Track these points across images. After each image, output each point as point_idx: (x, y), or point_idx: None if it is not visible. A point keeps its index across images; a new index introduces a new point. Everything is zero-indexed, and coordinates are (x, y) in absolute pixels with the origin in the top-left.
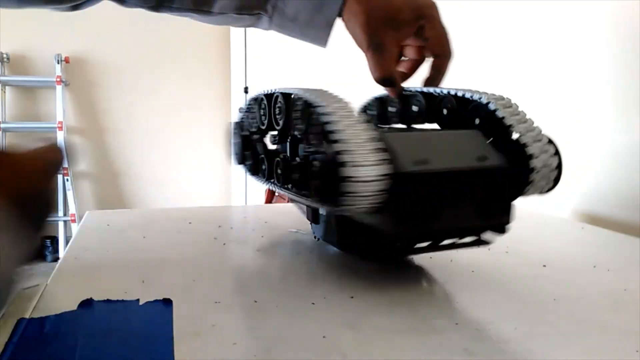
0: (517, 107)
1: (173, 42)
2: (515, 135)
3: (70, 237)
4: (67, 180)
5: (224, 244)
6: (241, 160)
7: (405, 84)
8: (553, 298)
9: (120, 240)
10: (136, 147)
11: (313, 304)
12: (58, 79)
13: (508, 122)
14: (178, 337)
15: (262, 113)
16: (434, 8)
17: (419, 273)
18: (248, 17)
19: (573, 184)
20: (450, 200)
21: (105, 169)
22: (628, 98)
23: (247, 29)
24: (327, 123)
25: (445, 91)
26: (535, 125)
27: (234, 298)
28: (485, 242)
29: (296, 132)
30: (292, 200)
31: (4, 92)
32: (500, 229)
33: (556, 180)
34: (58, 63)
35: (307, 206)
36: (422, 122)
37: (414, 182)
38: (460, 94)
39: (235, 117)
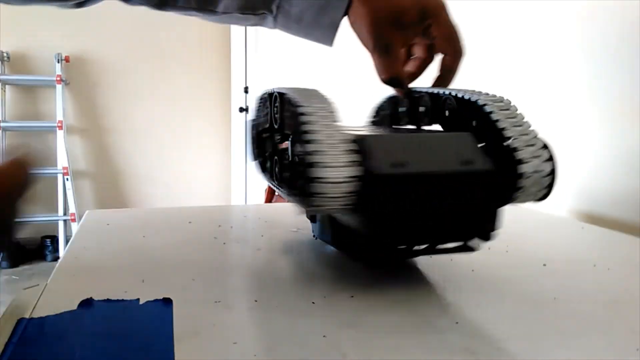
0: (515, 109)
1: (173, 42)
2: (506, 139)
3: (70, 236)
4: (67, 179)
5: (224, 243)
6: (254, 157)
7: (415, 84)
8: (553, 297)
9: (120, 240)
10: (136, 146)
11: (313, 303)
12: (58, 78)
13: (501, 125)
14: (178, 336)
15: (266, 112)
16: (441, 7)
17: (419, 272)
18: (252, 16)
19: (573, 183)
20: (428, 204)
21: (105, 168)
22: (628, 97)
23: (248, 29)
24: (303, 123)
25: (447, 92)
26: (531, 128)
27: (234, 297)
28: (470, 249)
29: (287, 131)
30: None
31: (4, 91)
32: (485, 235)
33: (549, 187)
34: (58, 62)
35: None
36: (430, 123)
37: (388, 185)
38: (460, 95)
39: (251, 114)
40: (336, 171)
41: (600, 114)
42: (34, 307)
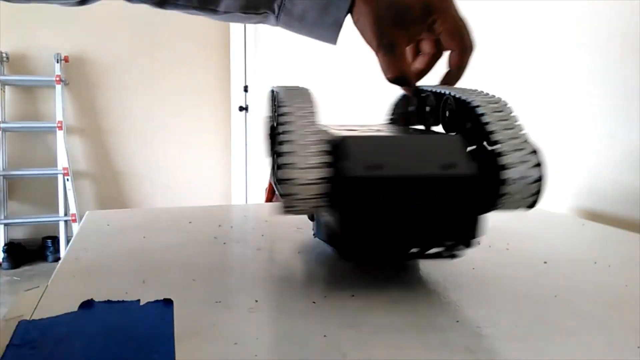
0: (510, 112)
1: (173, 42)
2: (493, 143)
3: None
4: (68, 180)
5: (225, 243)
6: (266, 154)
7: (425, 81)
8: (554, 294)
9: (120, 240)
10: (136, 146)
11: (314, 302)
12: (57, 79)
13: (490, 128)
14: (179, 337)
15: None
16: (446, 2)
17: (419, 271)
18: (255, 15)
19: (574, 180)
20: (403, 208)
21: (105, 169)
22: (629, 94)
23: (248, 28)
24: (281, 123)
25: (449, 91)
26: (522, 132)
27: (235, 297)
28: (452, 256)
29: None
30: None
31: (4, 91)
32: (465, 242)
33: (537, 195)
34: (57, 62)
35: None
36: (435, 124)
37: (361, 187)
38: (458, 95)
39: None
40: (305, 172)
41: (601, 112)
42: (35, 309)
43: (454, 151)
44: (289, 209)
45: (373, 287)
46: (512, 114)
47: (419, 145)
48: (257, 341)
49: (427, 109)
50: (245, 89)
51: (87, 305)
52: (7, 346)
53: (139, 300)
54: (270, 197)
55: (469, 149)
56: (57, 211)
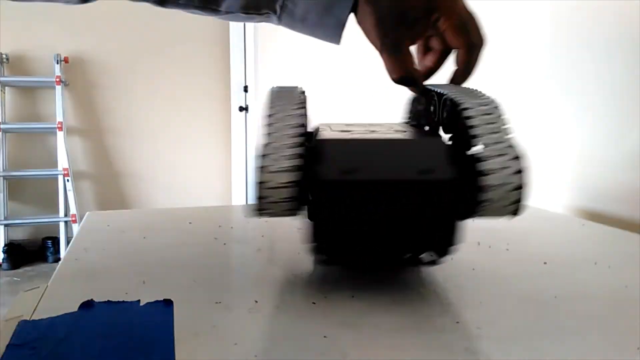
0: (499, 114)
1: (172, 42)
2: (477, 147)
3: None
4: (68, 180)
5: (225, 243)
6: None
7: (434, 80)
8: (554, 295)
9: (120, 241)
10: (136, 147)
11: (314, 303)
12: (57, 79)
13: (475, 131)
14: (179, 337)
15: None
16: None
17: (419, 272)
18: (256, 16)
19: (574, 180)
20: (377, 213)
21: (105, 170)
22: (629, 95)
23: (247, 28)
24: (265, 126)
25: (447, 92)
26: (508, 137)
27: (235, 298)
28: (431, 262)
29: None
30: None
31: (4, 92)
32: (441, 250)
33: (517, 203)
34: (57, 63)
35: None
36: (440, 124)
37: (334, 191)
38: (452, 95)
39: None
40: (277, 176)
41: (602, 112)
42: (35, 309)
43: (435, 156)
44: (261, 212)
45: (373, 287)
46: (500, 117)
47: (398, 149)
48: (257, 341)
49: (431, 109)
50: (245, 89)
51: (87, 305)
52: (7, 346)
53: (139, 301)
54: None
55: (455, 153)
56: (57, 212)
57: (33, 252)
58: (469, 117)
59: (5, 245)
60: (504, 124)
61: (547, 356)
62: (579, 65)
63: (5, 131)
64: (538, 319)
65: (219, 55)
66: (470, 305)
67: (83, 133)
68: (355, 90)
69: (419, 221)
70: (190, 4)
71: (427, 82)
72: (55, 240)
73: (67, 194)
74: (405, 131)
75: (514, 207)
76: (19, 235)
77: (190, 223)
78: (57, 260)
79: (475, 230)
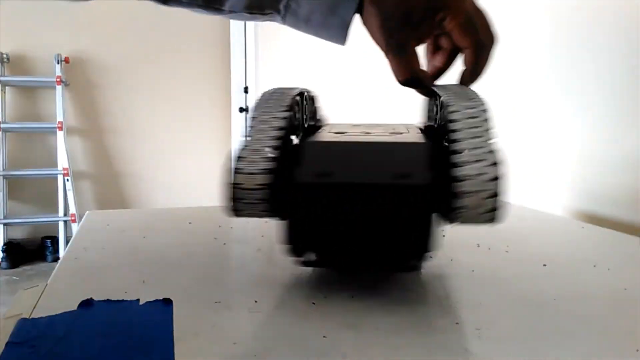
0: (485, 118)
1: (173, 42)
2: (453, 152)
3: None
4: (67, 180)
5: (224, 243)
6: None
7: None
8: (553, 297)
9: (120, 240)
10: (136, 147)
11: (313, 303)
12: (58, 79)
13: (456, 135)
14: (178, 337)
15: None
16: None
17: (419, 273)
18: (260, 15)
19: (574, 182)
20: (351, 215)
21: (105, 169)
22: (628, 97)
23: (248, 28)
24: (248, 127)
25: (443, 93)
26: (490, 142)
27: (234, 298)
28: (411, 268)
29: None
30: None
31: (4, 92)
32: (416, 255)
33: (492, 211)
34: (58, 63)
35: None
36: None
37: (308, 194)
38: (444, 97)
39: None
40: (251, 178)
41: (601, 114)
42: (34, 308)
43: (413, 160)
44: (235, 212)
45: (373, 288)
46: (485, 122)
47: (376, 153)
48: (257, 341)
49: (435, 110)
50: (246, 90)
51: (87, 304)
52: (6, 344)
53: (138, 300)
54: None
55: (437, 157)
56: (56, 211)
57: (32, 251)
58: (453, 121)
59: (5, 244)
60: (487, 129)
61: (546, 357)
62: (579, 66)
63: (5, 130)
64: (537, 321)
65: (220, 56)
66: (470, 306)
67: (83, 133)
68: (365, 90)
69: (393, 226)
70: (194, 3)
71: (438, 83)
72: (55, 240)
73: (66, 193)
74: (402, 133)
75: (490, 215)
76: (18, 234)
77: (190, 223)
78: (56, 259)
79: (474, 232)
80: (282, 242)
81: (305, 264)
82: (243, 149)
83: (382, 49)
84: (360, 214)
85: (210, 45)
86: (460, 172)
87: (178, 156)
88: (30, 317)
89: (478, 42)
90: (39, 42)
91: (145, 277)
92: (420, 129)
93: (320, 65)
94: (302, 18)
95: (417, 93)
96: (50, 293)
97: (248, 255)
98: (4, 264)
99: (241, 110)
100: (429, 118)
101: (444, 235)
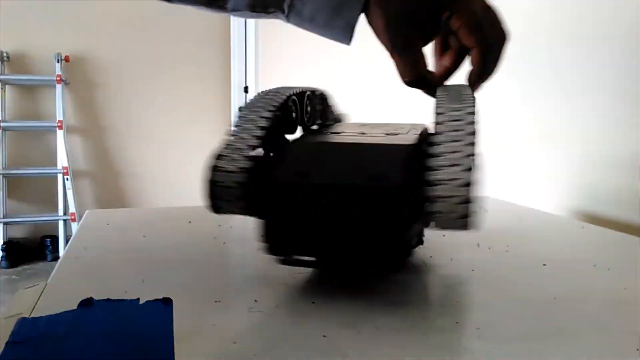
0: (469, 120)
1: (173, 41)
2: (430, 155)
3: (70, 236)
4: (67, 179)
5: (224, 243)
6: None
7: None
8: (553, 297)
9: (120, 240)
10: (136, 146)
11: (313, 303)
12: (58, 78)
13: (435, 138)
14: (178, 336)
15: None
16: None
17: (419, 272)
18: (264, 14)
19: (573, 182)
20: (326, 216)
21: (105, 168)
22: (628, 96)
23: (248, 28)
24: (234, 126)
25: (438, 94)
26: (469, 146)
27: (234, 297)
28: (388, 270)
29: None
30: None
31: (4, 91)
32: (391, 257)
33: (466, 217)
34: (58, 62)
35: None
36: None
37: (285, 192)
38: (437, 99)
39: None
40: (229, 176)
41: (601, 113)
42: (34, 307)
43: (391, 162)
44: (215, 209)
45: (373, 287)
46: (469, 125)
47: (355, 154)
48: (257, 341)
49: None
50: (246, 90)
51: (86, 303)
52: (6, 344)
53: (138, 299)
54: None
55: (417, 160)
56: (56, 210)
57: (32, 250)
58: (436, 123)
59: (4, 243)
60: (470, 133)
61: (546, 357)
62: (579, 64)
63: (5, 129)
64: (537, 320)
65: (220, 55)
66: (470, 306)
67: (83, 132)
68: (379, 89)
69: (367, 227)
70: (197, 1)
71: (447, 83)
72: (54, 239)
73: (66, 192)
74: (397, 134)
75: (463, 221)
76: (18, 233)
77: (190, 222)
78: (56, 258)
79: (475, 232)
80: (259, 240)
81: (283, 262)
82: (225, 148)
83: (388, 49)
84: (335, 215)
85: (210, 45)
86: (434, 175)
87: (178, 155)
88: (30, 317)
89: (485, 42)
90: (39, 41)
91: (145, 276)
92: (425, 130)
93: (327, 64)
94: (306, 17)
95: (424, 94)
96: (50, 292)
97: (248, 254)
98: (3, 263)
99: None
100: None
101: (444, 235)
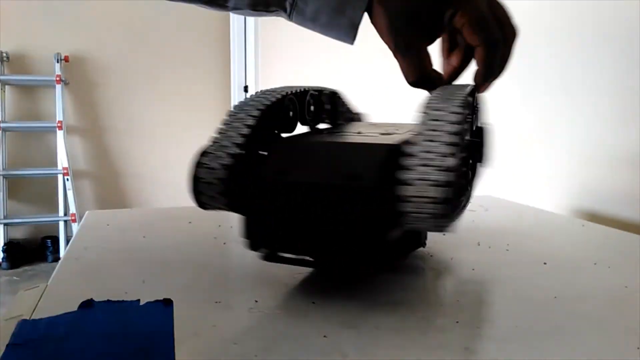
0: (452, 120)
1: (173, 42)
2: (405, 154)
3: (71, 236)
4: (68, 179)
5: (224, 243)
6: None
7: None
8: (554, 295)
9: (120, 240)
10: (136, 146)
11: (314, 303)
12: (57, 78)
13: (415, 138)
14: (178, 337)
15: None
16: None
17: (419, 271)
18: (266, 13)
19: (574, 181)
20: (304, 214)
21: (105, 169)
22: (628, 95)
23: (248, 28)
24: (223, 124)
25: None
26: (445, 146)
27: (234, 298)
28: (371, 268)
29: None
30: None
31: (4, 91)
32: (364, 257)
33: (439, 217)
34: (57, 62)
35: None
36: None
37: (266, 190)
38: (429, 98)
39: None
40: (211, 172)
41: (602, 112)
42: (35, 308)
43: (367, 162)
44: (199, 204)
45: (373, 287)
46: (449, 125)
47: (335, 154)
48: (257, 341)
49: None
50: (246, 90)
51: (87, 305)
52: (7, 346)
53: (138, 300)
54: None
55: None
56: (56, 211)
57: (32, 251)
58: (418, 123)
59: (5, 244)
60: (448, 133)
61: (546, 356)
62: (579, 63)
63: (5, 130)
64: (538, 319)
65: (220, 55)
66: (470, 305)
67: (83, 132)
68: (387, 88)
69: (341, 226)
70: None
71: (455, 83)
72: (55, 240)
73: (66, 193)
74: (391, 134)
75: (436, 222)
76: (18, 234)
77: (190, 222)
78: (57, 259)
79: (475, 231)
80: (241, 236)
81: (265, 258)
82: (211, 145)
83: (391, 49)
84: (311, 213)
85: (210, 44)
86: (404, 175)
87: (178, 155)
88: (31, 318)
89: (490, 40)
90: (38, 41)
91: (146, 277)
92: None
93: (326, 64)
94: (308, 17)
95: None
96: (51, 293)
97: (248, 255)
98: (4, 264)
99: None
100: None
101: (444, 234)
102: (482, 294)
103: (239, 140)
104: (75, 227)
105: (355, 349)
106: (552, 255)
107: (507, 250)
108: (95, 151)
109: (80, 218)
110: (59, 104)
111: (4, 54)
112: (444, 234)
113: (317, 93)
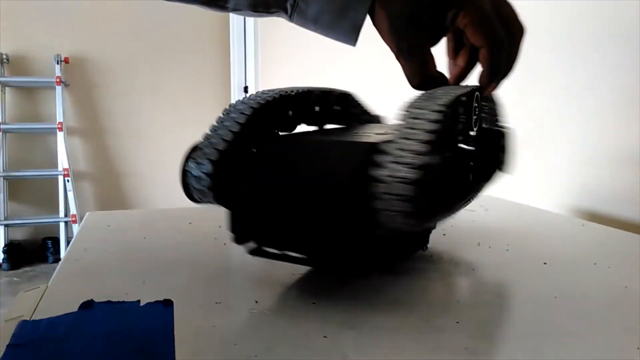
0: (430, 118)
1: (173, 43)
2: (380, 152)
3: (71, 238)
4: (68, 181)
5: (225, 243)
6: None
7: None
8: (554, 295)
9: (120, 241)
10: (136, 147)
11: (314, 303)
12: (58, 80)
13: (394, 136)
14: (179, 337)
15: None
16: None
17: (419, 272)
18: (266, 14)
19: (574, 180)
20: (286, 210)
21: (105, 170)
22: (629, 94)
23: (248, 27)
24: (217, 122)
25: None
26: (417, 144)
27: (235, 298)
28: (354, 269)
29: None
30: None
31: (4, 93)
32: (345, 254)
33: (408, 216)
34: (57, 63)
35: None
36: None
37: (247, 186)
38: (417, 97)
39: None
40: (199, 167)
41: (602, 112)
42: (35, 309)
43: (344, 159)
44: (190, 198)
45: (373, 288)
46: (426, 124)
47: (317, 152)
48: (257, 341)
49: None
50: (246, 90)
51: (87, 305)
52: (7, 346)
53: (139, 301)
54: None
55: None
56: (57, 212)
57: (33, 252)
58: (400, 121)
59: (5, 245)
60: (426, 130)
61: (546, 356)
62: (579, 62)
63: (5, 131)
64: (538, 319)
65: (219, 56)
66: (470, 305)
67: (83, 133)
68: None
69: (319, 223)
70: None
71: (463, 84)
72: (55, 241)
73: (67, 194)
74: (386, 134)
75: (408, 220)
76: (19, 235)
77: (190, 223)
78: (57, 260)
79: (475, 231)
80: (227, 230)
81: (252, 253)
82: (202, 141)
83: (393, 52)
84: (291, 209)
85: (209, 45)
86: (377, 172)
87: (178, 156)
88: (31, 319)
89: (494, 40)
90: (38, 43)
91: (146, 277)
92: None
93: (327, 64)
94: (310, 18)
95: None
96: (51, 294)
97: (248, 255)
98: (4, 265)
99: None
100: None
101: (444, 235)
102: (482, 294)
103: (229, 137)
104: (75, 228)
105: (355, 349)
106: (552, 255)
107: (507, 250)
108: (95, 152)
109: (81, 219)
110: (59, 106)
111: (4, 56)
112: (444, 234)
113: (323, 94)
